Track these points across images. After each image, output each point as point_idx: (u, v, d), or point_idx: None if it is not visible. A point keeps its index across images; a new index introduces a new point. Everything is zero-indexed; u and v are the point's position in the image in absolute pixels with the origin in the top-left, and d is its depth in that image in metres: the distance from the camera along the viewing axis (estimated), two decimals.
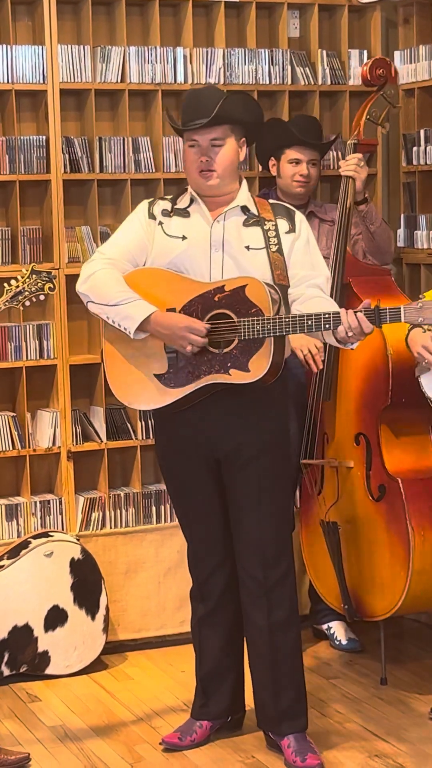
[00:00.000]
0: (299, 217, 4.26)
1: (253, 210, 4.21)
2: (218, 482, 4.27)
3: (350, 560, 4.90)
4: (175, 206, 4.24)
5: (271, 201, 4.30)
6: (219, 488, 4.27)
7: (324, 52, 5.64)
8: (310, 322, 3.94)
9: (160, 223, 4.21)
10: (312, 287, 4.15)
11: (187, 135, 4.15)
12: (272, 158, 5.10)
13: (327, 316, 3.94)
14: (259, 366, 3.98)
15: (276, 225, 4.18)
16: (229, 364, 4.02)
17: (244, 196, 4.22)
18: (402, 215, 5.74)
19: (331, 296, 4.35)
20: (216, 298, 4.05)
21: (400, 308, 3.89)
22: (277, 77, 5.55)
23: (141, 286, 4.14)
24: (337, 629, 5.30)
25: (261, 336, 3.96)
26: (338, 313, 3.93)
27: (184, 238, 4.16)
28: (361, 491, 4.83)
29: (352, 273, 4.88)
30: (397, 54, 5.70)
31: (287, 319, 3.94)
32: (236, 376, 4.01)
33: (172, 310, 4.09)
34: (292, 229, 4.20)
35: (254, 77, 5.51)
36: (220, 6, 5.47)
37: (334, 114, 5.74)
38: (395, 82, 5.22)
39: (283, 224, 4.19)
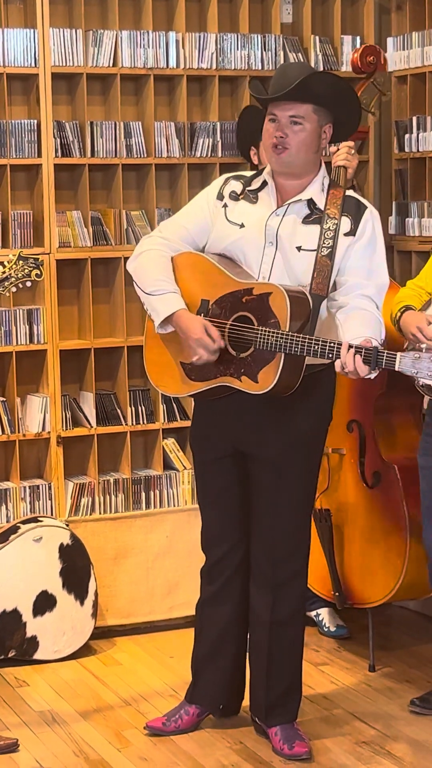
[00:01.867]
0: (367, 216, 4.07)
1: (320, 204, 4.04)
2: (241, 472, 4.24)
3: (342, 547, 4.91)
4: (248, 188, 4.13)
5: (348, 194, 4.10)
6: (240, 478, 4.25)
7: (317, 38, 5.64)
8: (316, 348, 3.80)
9: (225, 205, 4.12)
10: (361, 297, 3.97)
11: (269, 108, 3.99)
12: (252, 147, 5.04)
13: (332, 345, 3.78)
14: (266, 379, 3.90)
15: (338, 224, 4.01)
16: (242, 370, 3.96)
17: (315, 187, 4.06)
18: (393, 202, 5.74)
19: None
20: (243, 300, 3.97)
21: (396, 355, 3.71)
22: (269, 63, 5.54)
23: (185, 270, 4.12)
24: (326, 616, 5.31)
25: (273, 350, 3.86)
26: (339, 345, 3.76)
27: (242, 226, 4.07)
28: (354, 478, 4.84)
29: None
30: (389, 40, 5.69)
31: (297, 338, 3.81)
32: (246, 384, 3.96)
33: (207, 302, 4.03)
34: (353, 231, 4.02)
35: (247, 63, 5.50)
36: None
37: None
38: (384, 69, 5.23)
39: (345, 223, 4.03)
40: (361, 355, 3.71)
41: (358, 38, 5.70)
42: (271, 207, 4.05)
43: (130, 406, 5.39)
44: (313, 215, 4.03)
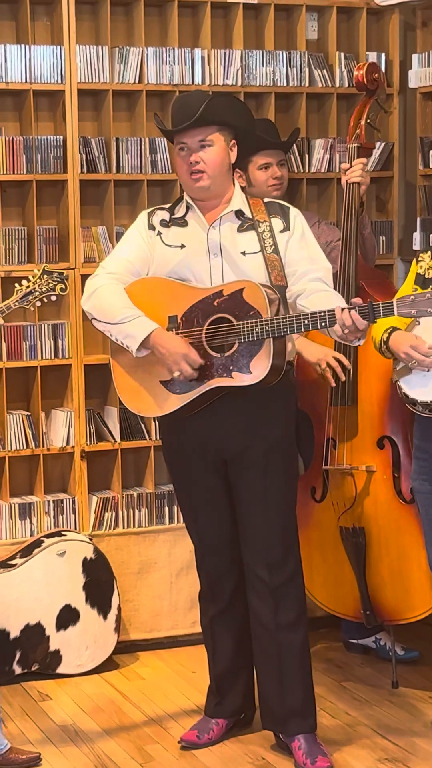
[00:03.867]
0: (293, 212, 4.27)
1: (248, 213, 4.23)
2: (225, 484, 4.31)
3: (373, 565, 4.89)
4: (173, 216, 4.28)
5: (266, 200, 4.31)
6: (226, 490, 4.31)
7: (342, 54, 5.65)
8: (306, 321, 3.96)
9: (159, 233, 4.26)
10: (315, 281, 4.16)
11: (176, 139, 4.16)
12: (237, 170, 5.05)
13: (323, 314, 3.94)
14: (259, 367, 4.01)
15: (270, 225, 4.21)
16: (231, 368, 4.05)
17: (238, 199, 4.24)
18: (418, 218, 5.73)
19: (346, 297, 4.35)
20: (215, 303, 4.09)
21: (392, 302, 3.89)
22: (294, 79, 5.56)
23: (143, 295, 4.19)
24: (387, 640, 5.20)
25: (260, 338, 3.99)
26: (333, 311, 3.92)
27: (182, 246, 4.21)
28: (388, 494, 4.82)
29: (363, 276, 4.89)
30: (414, 57, 5.70)
31: (285, 320, 3.96)
32: (238, 379, 4.04)
33: (174, 317, 4.13)
34: (286, 227, 4.22)
35: (272, 79, 5.52)
36: (238, 7, 5.49)
37: (350, 116, 5.75)
38: (385, 87, 5.23)
39: (277, 223, 4.22)
40: (356, 311, 3.87)
41: (383, 55, 5.71)
42: (204, 226, 4.21)
43: (154, 421, 5.40)
44: (245, 223, 4.21)
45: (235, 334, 4.01)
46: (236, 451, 4.21)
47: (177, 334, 4.11)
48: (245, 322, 3.99)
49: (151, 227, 4.27)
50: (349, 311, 3.88)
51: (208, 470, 4.28)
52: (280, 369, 4.04)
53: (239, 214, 4.21)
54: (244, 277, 4.09)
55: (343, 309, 3.90)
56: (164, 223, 4.26)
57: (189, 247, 4.20)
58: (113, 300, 4.18)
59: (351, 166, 4.94)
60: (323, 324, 3.94)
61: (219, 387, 4.08)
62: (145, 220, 4.29)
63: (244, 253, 4.16)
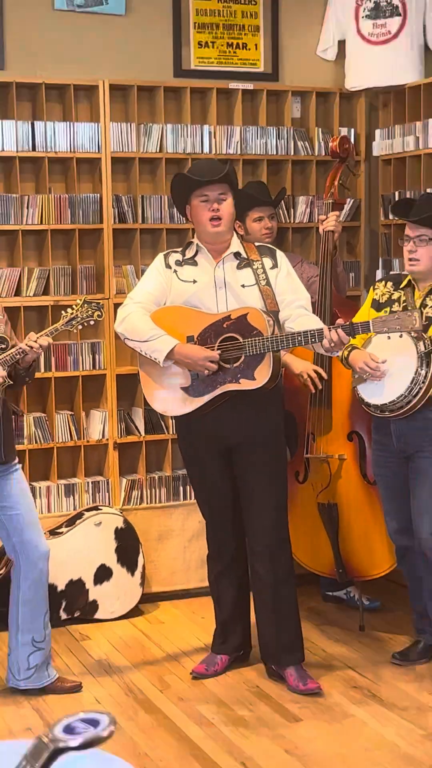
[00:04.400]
0: (279, 254, 4.32)
1: (243, 254, 4.26)
2: (229, 468, 4.32)
3: (344, 533, 4.88)
4: (185, 257, 4.29)
5: (256, 244, 4.36)
6: (230, 472, 4.33)
7: (320, 129, 5.64)
8: (300, 338, 4.03)
9: (175, 271, 4.27)
10: (298, 308, 4.21)
11: (198, 192, 4.17)
12: (237, 221, 5.03)
13: (313, 332, 4.02)
14: (262, 374, 4.06)
15: (262, 263, 4.25)
16: (239, 375, 4.10)
17: (236, 244, 4.27)
18: (380, 259, 5.73)
19: (323, 321, 4.36)
20: (225, 325, 4.13)
21: (369, 322, 3.97)
22: (282, 149, 5.55)
23: (165, 320, 4.21)
24: (356, 592, 5.14)
25: (263, 351, 4.05)
26: (322, 329, 4.00)
27: (194, 281, 4.24)
28: (356, 477, 4.81)
29: (336, 304, 4.88)
30: (377, 131, 5.69)
31: (282, 337, 4.04)
32: (245, 384, 4.09)
33: (191, 336, 4.17)
34: (275, 265, 4.26)
35: (264, 149, 5.51)
36: (237, 92, 5.48)
37: (326, 178, 5.74)
38: (354, 155, 5.23)
39: (267, 262, 4.26)
40: (342, 330, 3.95)
41: (352, 129, 5.70)
42: (211, 264, 4.24)
43: (171, 419, 5.37)
44: (242, 262, 4.24)
45: (242, 349, 4.06)
46: (238, 440, 4.23)
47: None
48: (250, 339, 4.04)
49: (168, 266, 4.28)
50: (336, 329, 3.94)
51: (215, 457, 4.30)
52: (277, 376, 4.11)
53: (237, 255, 4.24)
54: (246, 305, 4.13)
55: (330, 328, 3.96)
56: (178, 263, 4.28)
57: (200, 281, 4.22)
58: (141, 323, 4.19)
59: (327, 218, 4.94)
60: (313, 340, 4.01)
61: (228, 391, 4.12)
62: (162, 260, 4.31)
63: (243, 286, 4.20)
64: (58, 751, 1.58)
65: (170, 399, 4.25)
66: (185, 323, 4.20)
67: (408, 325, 3.88)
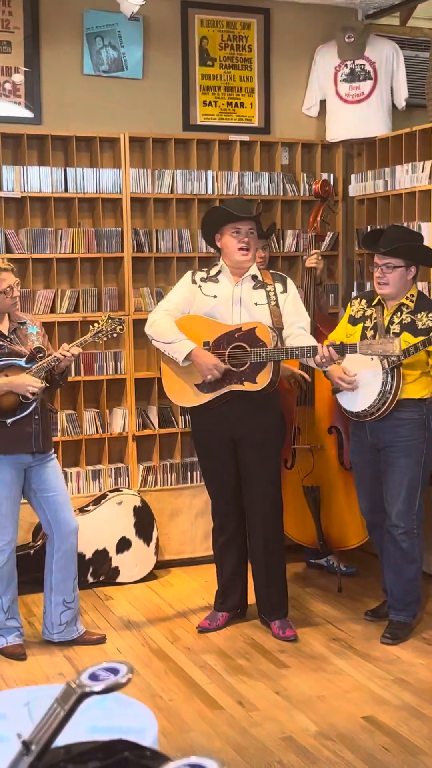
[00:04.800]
0: (290, 281, 4.31)
1: (260, 278, 4.24)
2: (233, 456, 4.31)
3: (325, 511, 4.88)
4: (209, 275, 4.28)
5: (271, 271, 4.33)
6: (234, 460, 4.32)
7: (304, 174, 5.63)
8: (297, 352, 4.05)
9: (200, 286, 4.27)
10: (298, 328, 4.21)
11: (232, 225, 4.17)
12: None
13: (308, 348, 4.03)
14: (263, 379, 4.08)
15: (274, 287, 4.24)
16: (243, 378, 4.11)
17: (254, 269, 4.25)
18: (355, 282, 5.73)
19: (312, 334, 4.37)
20: (236, 335, 4.13)
21: (356, 344, 3.96)
22: (273, 191, 5.54)
23: (188, 326, 4.22)
24: (335, 559, 5.13)
25: (265, 360, 4.05)
26: (316, 346, 4.01)
27: (215, 296, 4.23)
28: (334, 464, 4.81)
29: (319, 321, 4.88)
30: (353, 176, 5.69)
31: (283, 349, 4.06)
32: (248, 386, 4.11)
33: (207, 342, 4.18)
34: (284, 290, 4.25)
35: (258, 191, 5.50)
36: (236, 143, 5.47)
37: (310, 215, 5.74)
38: (332, 195, 5.23)
39: (279, 287, 4.25)
40: (333, 348, 3.97)
41: (332, 174, 5.69)
42: (231, 283, 4.23)
43: (180, 416, 5.39)
44: (257, 284, 4.23)
45: (248, 356, 4.08)
46: (242, 433, 4.23)
47: (210, 352, 4.17)
48: (256, 349, 4.05)
49: (194, 282, 4.29)
50: (329, 347, 3.97)
51: (222, 445, 4.30)
52: (275, 382, 4.11)
53: (254, 277, 4.23)
54: (256, 320, 4.12)
55: (323, 346, 3.98)
56: (203, 280, 4.28)
57: (220, 297, 4.22)
58: (167, 328, 4.22)
59: (310, 256, 4.95)
60: (308, 355, 4.03)
61: (233, 391, 4.13)
62: (189, 277, 4.32)
63: (256, 304, 4.19)
64: (84, 695, 1.58)
65: (184, 392, 4.27)
66: (204, 330, 4.20)
67: (389, 350, 3.85)
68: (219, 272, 4.28)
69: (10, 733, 1.96)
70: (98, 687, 1.57)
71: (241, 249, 4.18)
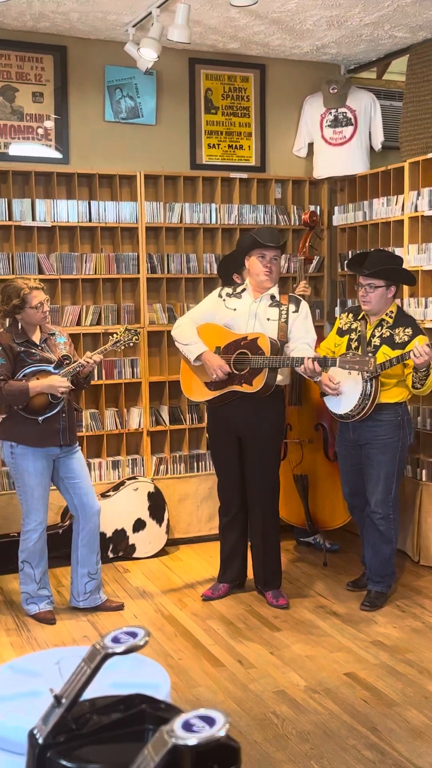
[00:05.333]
0: (303, 303, 4.23)
1: (277, 298, 4.20)
2: (239, 449, 4.29)
3: (313, 495, 4.87)
4: (234, 292, 4.27)
5: (290, 294, 4.26)
6: (239, 452, 4.30)
7: (295, 206, 5.62)
8: (287, 361, 4.00)
9: (224, 300, 4.26)
10: (303, 343, 4.13)
11: (259, 251, 4.15)
12: (235, 273, 4.84)
13: (297, 358, 3.97)
14: (258, 383, 4.05)
15: (287, 308, 4.18)
16: (242, 381, 4.09)
17: (274, 290, 4.21)
18: (338, 299, 5.72)
19: None
20: (242, 343, 4.12)
21: (337, 359, 3.91)
22: (268, 221, 5.52)
23: (207, 332, 4.24)
24: (321, 538, 5.14)
25: (261, 366, 4.01)
26: (303, 358, 3.96)
27: (235, 310, 4.21)
28: (321, 456, 4.80)
29: None
30: (336, 208, 5.68)
31: (276, 358, 4.01)
32: (246, 388, 4.09)
33: (219, 347, 4.18)
34: (296, 311, 4.18)
35: (255, 221, 5.49)
36: (236, 180, 5.46)
37: (300, 241, 5.73)
38: (319, 224, 5.23)
39: (292, 307, 4.18)
40: (317, 362, 3.93)
41: (318, 206, 5.69)
42: (251, 300, 4.20)
43: (188, 414, 5.38)
44: (274, 302, 4.18)
45: (248, 362, 4.05)
46: (247, 430, 4.21)
47: (219, 356, 4.15)
48: (255, 356, 4.03)
49: (220, 296, 4.28)
50: (313, 360, 3.92)
51: (229, 437, 4.28)
52: (270, 386, 4.06)
53: (272, 297, 4.19)
54: (262, 333, 4.10)
55: (308, 359, 3.94)
56: (228, 295, 4.26)
57: (239, 311, 4.19)
58: (187, 332, 4.23)
59: (298, 285, 4.95)
60: (296, 364, 3.98)
61: (234, 390, 4.11)
62: (218, 292, 4.32)
63: (268, 319, 4.16)
64: (107, 656, 1.58)
65: (195, 388, 4.27)
66: (218, 336, 4.20)
67: (364, 367, 3.84)
68: (243, 290, 4.26)
69: (44, 688, 1.95)
70: (120, 648, 1.57)
71: (264, 272, 4.16)
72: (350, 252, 5.55)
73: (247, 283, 4.26)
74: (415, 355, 3.85)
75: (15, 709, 1.90)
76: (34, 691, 1.97)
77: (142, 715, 1.58)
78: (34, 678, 2.05)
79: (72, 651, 2.21)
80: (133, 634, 1.60)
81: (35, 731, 1.55)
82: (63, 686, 1.61)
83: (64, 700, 1.56)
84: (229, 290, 4.29)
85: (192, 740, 1.25)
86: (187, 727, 1.26)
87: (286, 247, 4.27)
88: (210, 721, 1.27)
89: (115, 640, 1.59)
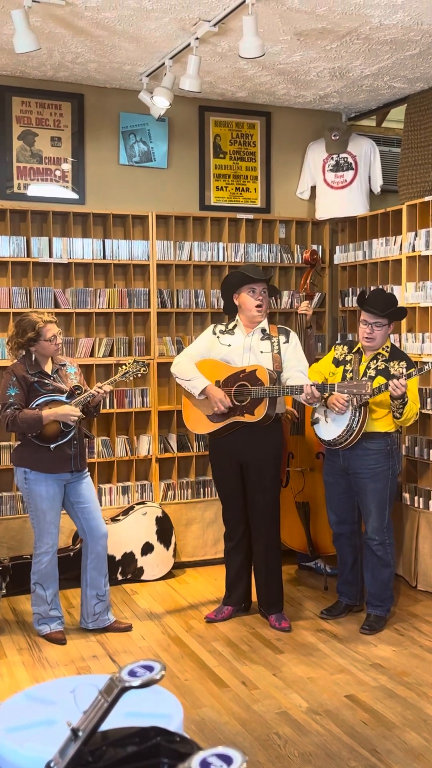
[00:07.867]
0: (292, 333, 4.24)
1: (268, 331, 4.20)
2: (241, 477, 4.25)
3: (313, 522, 4.82)
4: (227, 329, 4.26)
5: (278, 326, 4.26)
6: (241, 480, 4.26)
7: (298, 246, 5.62)
8: (287, 390, 3.98)
9: (218, 336, 4.25)
10: (297, 372, 4.14)
11: (248, 286, 4.15)
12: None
13: (296, 387, 3.95)
14: (260, 412, 4.02)
15: (278, 339, 4.19)
16: (244, 411, 4.06)
17: (264, 323, 4.21)
18: (339, 333, 5.71)
19: None
20: (240, 375, 4.10)
21: (335, 384, 3.92)
22: (272, 259, 5.52)
23: (205, 367, 4.21)
24: (322, 564, 5.08)
25: (262, 397, 3.99)
26: (302, 386, 3.94)
27: (230, 345, 4.20)
28: (321, 484, 4.76)
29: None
30: (337, 247, 5.68)
31: (277, 388, 3.99)
32: (248, 418, 4.05)
33: (219, 380, 4.14)
34: (287, 341, 4.19)
35: (260, 259, 5.49)
36: (242, 221, 5.47)
37: (302, 278, 5.72)
38: (320, 262, 5.23)
39: (282, 338, 4.19)
40: (316, 388, 3.90)
41: (320, 245, 5.69)
42: (244, 335, 4.20)
43: (195, 442, 5.34)
44: (264, 336, 4.18)
45: (249, 393, 4.02)
46: (247, 458, 4.17)
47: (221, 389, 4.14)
48: (255, 387, 4.01)
49: (214, 333, 4.27)
50: (312, 387, 3.89)
51: (232, 467, 4.24)
52: (271, 416, 4.04)
53: (263, 330, 4.19)
54: (259, 364, 4.08)
55: (308, 385, 3.91)
56: (222, 332, 4.26)
57: (233, 346, 4.19)
58: (188, 368, 4.21)
59: (300, 306, 4.94)
60: (296, 392, 3.95)
61: (236, 421, 4.07)
62: (211, 329, 4.30)
63: (262, 352, 4.15)
64: (125, 689, 1.53)
65: (198, 421, 4.23)
66: (217, 371, 4.19)
67: (362, 390, 3.83)
68: (235, 326, 4.26)
69: (59, 717, 1.90)
70: (136, 682, 1.52)
71: (256, 306, 4.15)
72: (350, 289, 5.54)
73: (238, 319, 4.26)
74: (393, 387, 3.86)
75: (31, 738, 1.84)
76: (49, 720, 1.92)
77: (157, 748, 1.53)
78: (49, 706, 2.00)
79: (85, 679, 2.15)
80: (150, 668, 1.56)
81: (52, 764, 1.50)
82: (80, 719, 1.56)
83: (80, 733, 1.51)
84: (222, 327, 4.29)
85: None
86: (205, 766, 1.21)
87: (273, 280, 4.26)
88: (227, 760, 1.22)
89: (132, 673, 1.54)
